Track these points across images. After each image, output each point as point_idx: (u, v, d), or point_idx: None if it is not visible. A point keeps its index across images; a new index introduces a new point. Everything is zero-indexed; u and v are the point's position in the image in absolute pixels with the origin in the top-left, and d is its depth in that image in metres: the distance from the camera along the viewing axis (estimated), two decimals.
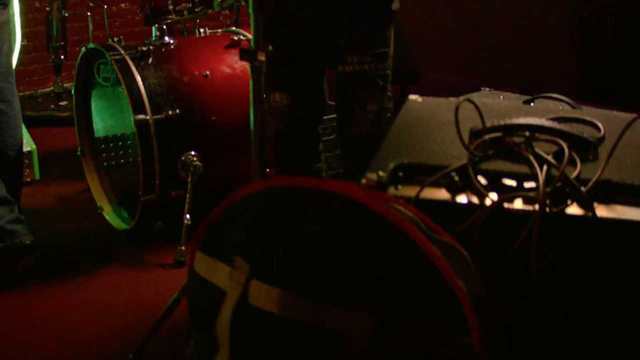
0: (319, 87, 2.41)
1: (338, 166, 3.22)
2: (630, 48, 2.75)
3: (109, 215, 2.89)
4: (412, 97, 1.70)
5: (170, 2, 4.21)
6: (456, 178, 1.34)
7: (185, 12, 4.27)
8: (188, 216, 2.55)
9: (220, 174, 2.69)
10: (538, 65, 3.00)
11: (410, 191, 1.33)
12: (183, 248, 2.55)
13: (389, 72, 2.32)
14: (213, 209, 1.36)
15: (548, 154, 1.36)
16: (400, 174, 1.36)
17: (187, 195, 2.55)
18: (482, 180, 1.32)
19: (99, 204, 2.94)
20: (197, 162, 2.56)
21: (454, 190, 1.33)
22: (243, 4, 1.47)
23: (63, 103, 4.68)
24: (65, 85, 4.73)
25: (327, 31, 2.26)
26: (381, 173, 1.33)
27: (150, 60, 2.65)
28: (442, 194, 1.33)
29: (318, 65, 2.35)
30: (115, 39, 2.83)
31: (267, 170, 2.90)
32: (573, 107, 2.42)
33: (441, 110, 1.62)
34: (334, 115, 2.99)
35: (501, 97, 2.63)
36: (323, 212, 1.23)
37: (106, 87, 2.95)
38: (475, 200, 1.30)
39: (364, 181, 1.33)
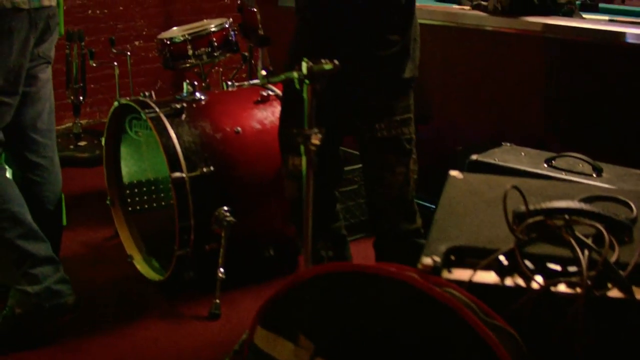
0: (337, 153, 2.49)
1: (360, 214, 3.32)
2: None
3: (140, 264, 2.97)
4: (453, 173, 1.81)
5: (189, 47, 4.36)
6: (505, 262, 1.44)
7: (205, 57, 4.43)
8: (222, 270, 2.64)
9: (251, 228, 2.78)
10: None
11: (462, 274, 1.43)
12: (218, 301, 2.64)
13: (414, 136, 2.40)
14: (279, 289, 1.45)
15: (588, 237, 1.45)
16: (452, 257, 1.46)
17: (221, 250, 2.63)
18: (529, 263, 1.43)
19: (129, 253, 3.02)
20: (230, 218, 2.65)
21: (503, 274, 1.43)
22: (297, 87, 1.55)
23: (82, 143, 4.77)
24: (83, 123, 4.84)
25: (346, 105, 2.29)
26: (436, 258, 1.43)
27: (183, 117, 2.75)
28: (492, 277, 1.43)
29: (338, 134, 2.39)
30: (147, 94, 2.93)
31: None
32: (592, 165, 2.53)
33: (482, 188, 1.72)
34: (355, 167, 3.11)
35: (522, 153, 2.74)
36: (384, 298, 1.33)
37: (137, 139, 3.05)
38: (523, 283, 1.40)
39: (420, 266, 1.43)
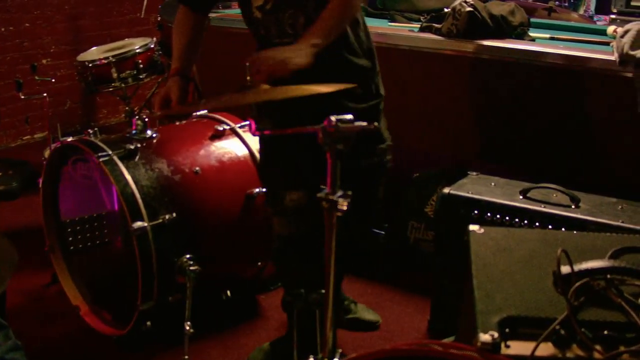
0: None
1: None
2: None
3: (89, 317, 2.74)
4: (473, 228, 1.72)
5: (114, 70, 4.09)
6: (562, 332, 1.37)
7: (130, 80, 4.17)
8: (189, 324, 2.43)
9: (212, 272, 2.60)
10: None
11: (521, 348, 1.35)
12: (187, 357, 2.44)
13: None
14: None
15: (637, 297, 1.41)
16: (507, 329, 1.38)
17: (187, 302, 2.43)
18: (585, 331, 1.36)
19: (74, 304, 2.78)
20: (195, 267, 2.46)
21: (562, 345, 1.36)
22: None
23: None
24: None
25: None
26: (494, 334, 1.34)
27: (137, 158, 2.54)
28: (551, 349, 1.36)
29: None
30: (91, 131, 2.69)
31: (259, 263, 2.86)
32: (568, 195, 2.52)
33: (509, 244, 1.65)
34: None
35: (492, 183, 2.70)
36: None
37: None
38: (583, 354, 1.34)
39: (479, 344, 1.33)
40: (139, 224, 2.39)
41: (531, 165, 3.06)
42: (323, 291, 2.15)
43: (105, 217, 2.81)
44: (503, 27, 3.03)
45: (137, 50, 4.14)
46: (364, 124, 1.44)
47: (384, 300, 3.02)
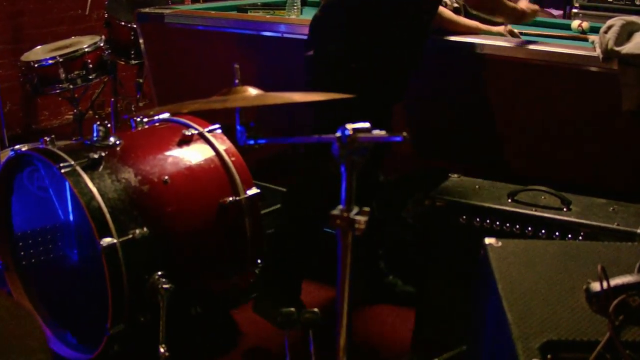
0: None
1: None
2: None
3: (51, 342, 2.52)
4: (489, 241, 1.60)
5: (62, 70, 3.84)
6: (607, 355, 1.26)
7: (79, 81, 3.93)
8: (164, 347, 2.25)
9: (189, 290, 2.42)
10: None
11: None
12: None
13: None
14: None
15: None
16: (549, 356, 1.27)
17: (161, 323, 2.25)
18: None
19: None
20: (168, 284, 2.27)
21: None
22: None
23: None
24: None
25: None
26: None
27: (101, 168, 2.33)
28: None
29: None
30: (47, 139, 2.47)
31: (233, 277, 2.68)
32: (559, 197, 2.43)
33: (531, 258, 1.54)
34: None
35: (477, 186, 2.60)
36: None
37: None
38: None
39: None
40: (108, 240, 2.19)
41: (504, 166, 2.97)
42: (316, 310, 2.02)
43: (58, 229, 2.61)
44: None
45: (86, 50, 3.91)
46: (383, 132, 1.30)
47: (364, 310, 2.88)
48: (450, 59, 2.92)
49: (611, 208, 2.40)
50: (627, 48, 2.54)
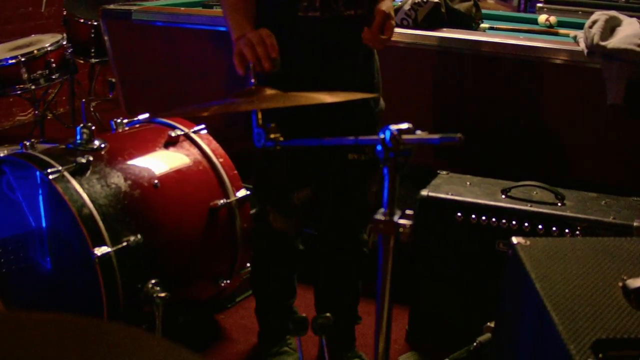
0: None
1: None
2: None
3: None
4: (517, 240, 1.58)
5: (24, 70, 3.69)
6: None
7: (42, 81, 3.78)
8: None
9: (178, 297, 2.34)
10: None
11: None
12: None
13: None
14: None
15: None
16: (600, 355, 1.25)
17: (156, 334, 2.17)
18: None
19: None
20: (163, 293, 2.19)
21: None
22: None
23: None
24: None
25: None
26: None
27: (89, 173, 2.23)
28: None
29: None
30: (27, 143, 2.35)
31: (222, 282, 2.61)
32: (553, 192, 2.44)
33: (562, 255, 1.53)
34: None
35: (468, 183, 2.59)
36: None
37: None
38: None
39: None
40: (103, 249, 2.09)
41: (491, 161, 2.97)
42: (328, 314, 1.97)
43: (29, 236, 2.49)
44: (456, 20, 2.95)
45: (49, 49, 3.77)
46: (426, 133, 1.26)
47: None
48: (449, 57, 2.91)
49: (603, 202, 2.42)
50: (612, 43, 2.57)
